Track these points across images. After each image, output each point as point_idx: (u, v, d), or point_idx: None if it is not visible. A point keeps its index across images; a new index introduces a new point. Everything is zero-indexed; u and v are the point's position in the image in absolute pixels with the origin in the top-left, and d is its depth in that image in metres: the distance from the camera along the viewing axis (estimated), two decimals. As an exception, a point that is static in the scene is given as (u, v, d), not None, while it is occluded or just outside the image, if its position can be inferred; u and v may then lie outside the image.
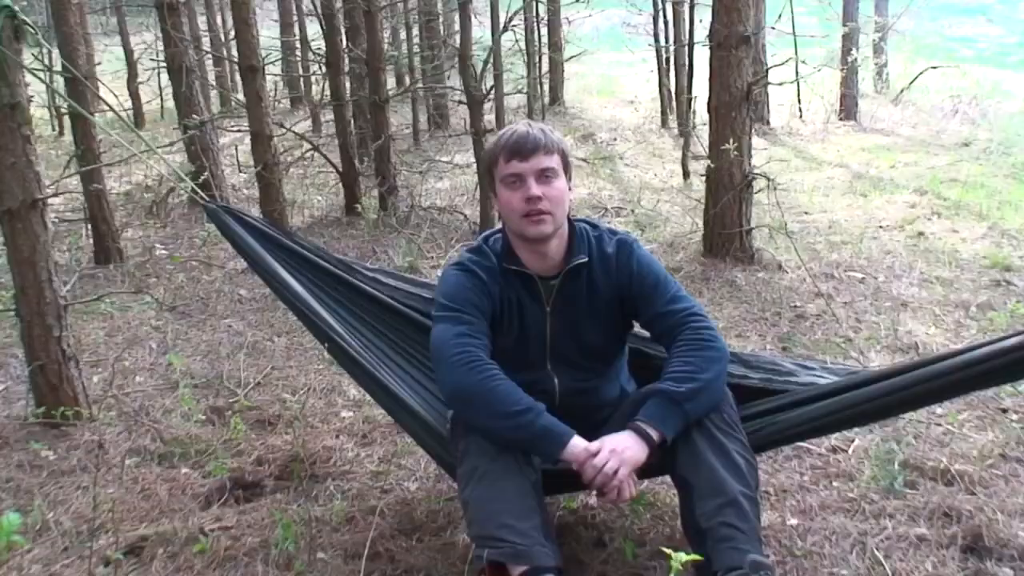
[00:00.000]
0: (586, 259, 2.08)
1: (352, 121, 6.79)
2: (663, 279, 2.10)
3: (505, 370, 1.97)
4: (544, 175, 1.98)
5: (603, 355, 2.16)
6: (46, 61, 6.72)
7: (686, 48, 8.35)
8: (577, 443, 1.86)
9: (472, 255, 2.12)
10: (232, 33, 7.05)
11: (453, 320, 2.00)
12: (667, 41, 10.32)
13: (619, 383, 2.22)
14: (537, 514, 1.81)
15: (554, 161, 1.99)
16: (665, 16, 10.44)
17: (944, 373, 1.78)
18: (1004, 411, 2.97)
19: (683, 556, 1.56)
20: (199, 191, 2.82)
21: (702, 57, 5.67)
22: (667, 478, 2.22)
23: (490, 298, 2.05)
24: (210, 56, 10.51)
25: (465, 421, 1.95)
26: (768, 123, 10.92)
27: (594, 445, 1.85)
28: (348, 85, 7.22)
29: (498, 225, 2.18)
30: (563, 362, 2.11)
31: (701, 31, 6.33)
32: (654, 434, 1.87)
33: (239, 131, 8.28)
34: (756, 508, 1.84)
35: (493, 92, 6.46)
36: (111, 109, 3.48)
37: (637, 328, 2.24)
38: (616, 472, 1.82)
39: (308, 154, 7.71)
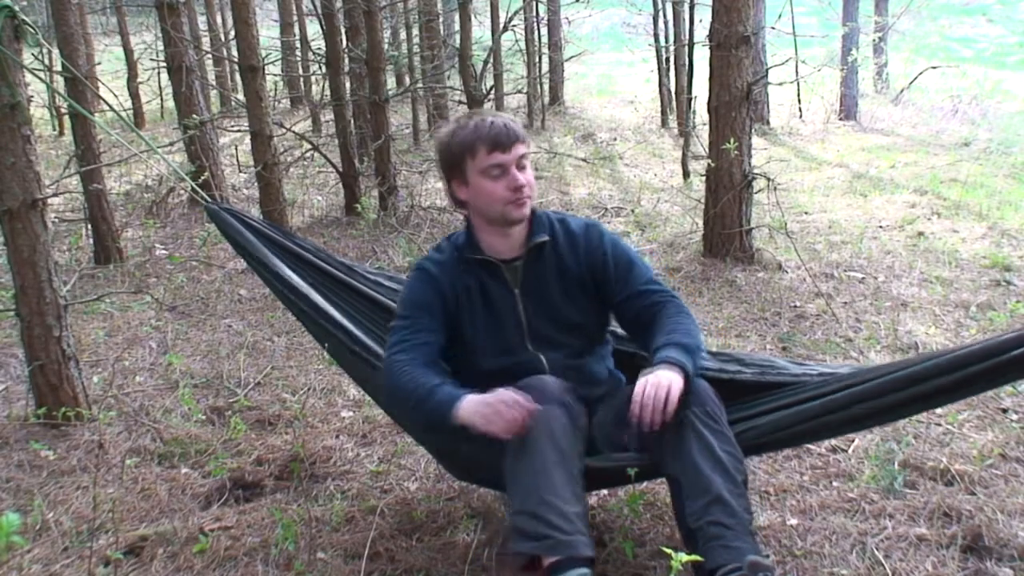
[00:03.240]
0: (547, 238, 2.13)
1: (352, 121, 6.79)
2: (638, 262, 2.17)
3: (489, 357, 2.05)
4: (521, 163, 2.05)
5: (583, 331, 2.17)
6: (46, 61, 6.73)
7: (686, 48, 8.35)
8: (470, 399, 1.88)
9: (432, 252, 2.19)
10: (232, 33, 7.05)
11: (396, 330, 2.07)
12: (667, 41, 10.34)
13: (606, 364, 2.24)
14: (582, 502, 1.81)
15: (525, 148, 2.07)
16: (665, 16, 10.46)
17: (948, 370, 1.76)
18: (1004, 411, 2.97)
19: (683, 556, 1.56)
20: (200, 191, 2.83)
21: (702, 57, 5.67)
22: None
23: (441, 295, 2.08)
24: (210, 56, 10.51)
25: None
26: (768, 123, 10.94)
27: (639, 383, 1.89)
28: (348, 85, 7.21)
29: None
30: (544, 342, 2.12)
31: (701, 31, 6.33)
32: (688, 364, 1.93)
33: (239, 131, 8.28)
34: (744, 501, 1.84)
35: (493, 92, 6.46)
36: (111, 109, 3.48)
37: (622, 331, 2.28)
38: (669, 387, 1.86)
39: (308, 154, 7.72)
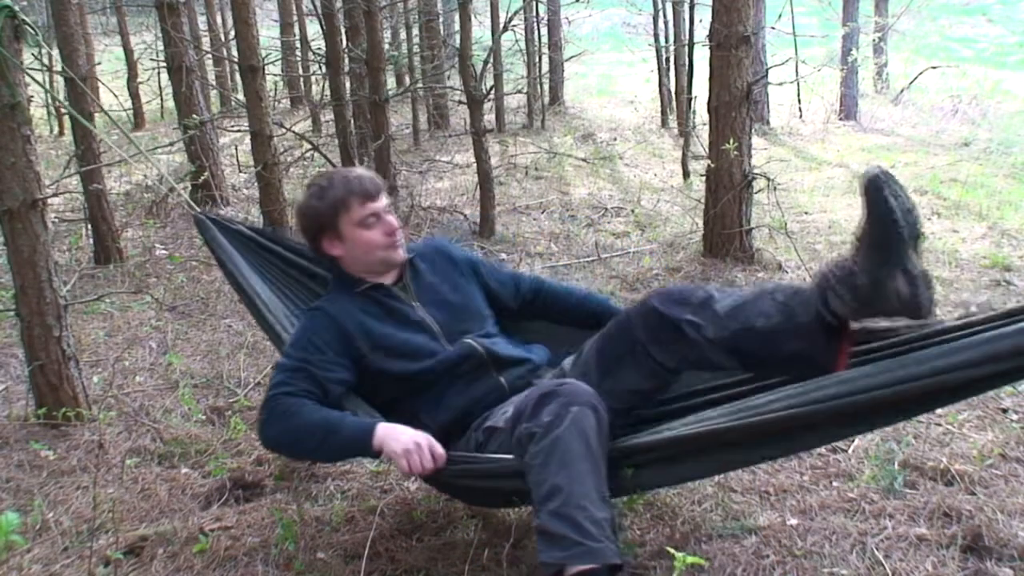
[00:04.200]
0: (412, 254, 2.30)
1: (352, 121, 6.78)
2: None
3: (418, 361, 2.12)
4: (388, 209, 2.22)
5: (482, 313, 2.29)
6: (46, 61, 6.73)
7: (686, 48, 8.35)
8: (385, 426, 1.96)
9: (324, 297, 2.27)
10: (232, 33, 7.04)
11: (283, 368, 2.09)
12: (667, 41, 10.34)
13: (520, 343, 2.30)
14: (610, 506, 1.79)
15: (388, 197, 2.24)
16: (665, 16, 10.46)
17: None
18: (1004, 411, 2.97)
19: (688, 558, 1.56)
20: (188, 199, 2.84)
21: (702, 57, 5.67)
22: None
23: (342, 331, 2.13)
24: (210, 56, 10.50)
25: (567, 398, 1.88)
26: (768, 123, 10.93)
27: None
28: (348, 85, 7.21)
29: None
30: (457, 335, 2.20)
31: (701, 31, 6.33)
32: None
33: (239, 131, 8.28)
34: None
35: (493, 92, 6.46)
36: (107, 115, 3.48)
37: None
38: None
39: (308, 154, 7.72)
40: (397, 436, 1.95)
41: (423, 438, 1.95)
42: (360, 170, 2.22)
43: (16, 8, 2.87)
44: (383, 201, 2.19)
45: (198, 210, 2.60)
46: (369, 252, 2.18)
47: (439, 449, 1.95)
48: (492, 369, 2.16)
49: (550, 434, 1.79)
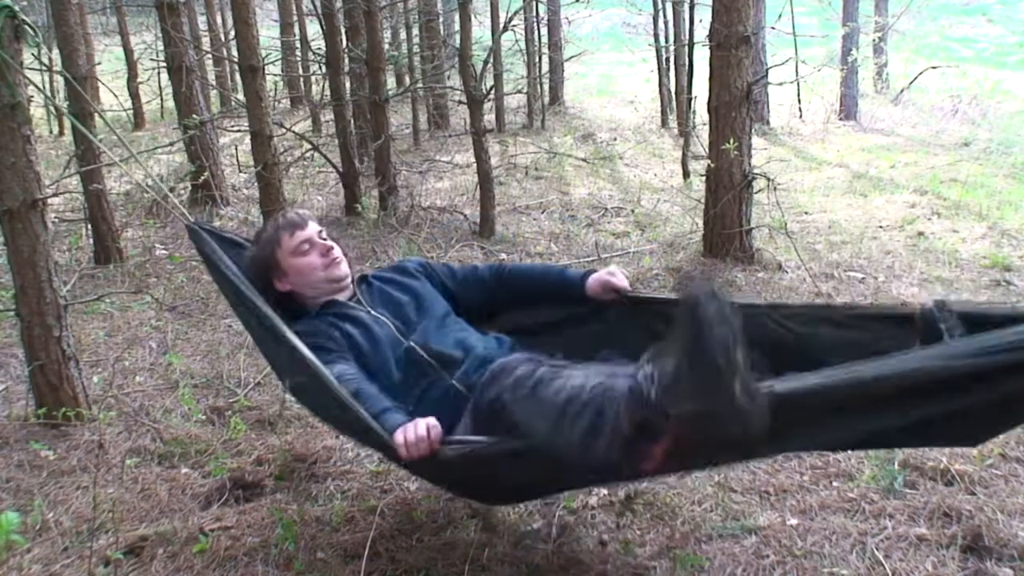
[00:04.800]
0: (367, 273, 2.46)
1: (352, 121, 6.78)
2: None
3: (390, 367, 2.19)
4: (322, 235, 2.38)
5: (430, 304, 2.36)
6: (46, 61, 6.72)
7: (686, 48, 8.36)
8: (402, 427, 1.89)
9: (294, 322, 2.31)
10: (232, 33, 7.04)
11: (328, 353, 2.16)
12: (667, 41, 10.35)
13: (475, 331, 2.31)
14: None
15: (319, 226, 2.41)
16: (665, 16, 10.46)
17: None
18: (1004, 411, 2.97)
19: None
20: (180, 207, 2.84)
21: (702, 57, 5.67)
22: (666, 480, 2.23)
23: (329, 329, 2.24)
24: (210, 56, 10.50)
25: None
26: (768, 123, 10.94)
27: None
28: (348, 85, 7.21)
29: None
30: (413, 330, 2.27)
31: (701, 31, 6.33)
32: None
33: (239, 131, 8.28)
34: None
35: (493, 92, 6.45)
36: (103, 118, 3.47)
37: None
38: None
39: (308, 154, 7.72)
40: (405, 425, 1.90)
41: (417, 420, 1.88)
42: (290, 210, 2.40)
43: (16, 8, 2.87)
44: (313, 228, 2.37)
45: (191, 219, 2.59)
46: (311, 274, 2.33)
47: (433, 426, 1.86)
48: (440, 370, 2.16)
49: (521, 387, 1.76)
